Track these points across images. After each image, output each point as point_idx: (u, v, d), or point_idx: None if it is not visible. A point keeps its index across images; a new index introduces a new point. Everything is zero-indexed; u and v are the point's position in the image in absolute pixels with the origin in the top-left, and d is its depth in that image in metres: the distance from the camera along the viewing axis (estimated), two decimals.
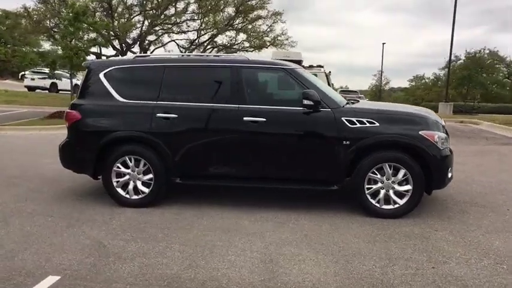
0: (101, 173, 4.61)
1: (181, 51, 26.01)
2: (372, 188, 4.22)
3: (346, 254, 3.40)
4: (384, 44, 43.85)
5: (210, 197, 4.86)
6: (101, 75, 4.62)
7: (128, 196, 4.54)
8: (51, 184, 5.57)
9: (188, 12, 21.60)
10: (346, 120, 4.18)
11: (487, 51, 37.18)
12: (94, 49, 18.92)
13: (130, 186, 4.52)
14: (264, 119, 4.25)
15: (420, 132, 4.12)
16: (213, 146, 4.40)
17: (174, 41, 24.87)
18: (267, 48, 22.64)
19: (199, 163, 4.45)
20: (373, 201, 4.23)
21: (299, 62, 12.16)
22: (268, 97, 4.70)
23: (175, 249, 3.47)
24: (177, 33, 22.52)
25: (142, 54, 4.88)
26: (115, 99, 4.54)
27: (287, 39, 22.26)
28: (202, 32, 24.24)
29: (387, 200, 4.23)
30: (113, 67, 4.64)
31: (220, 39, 23.65)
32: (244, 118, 4.27)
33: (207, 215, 4.31)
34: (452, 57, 42.70)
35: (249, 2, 21.04)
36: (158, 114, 4.40)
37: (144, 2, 21.64)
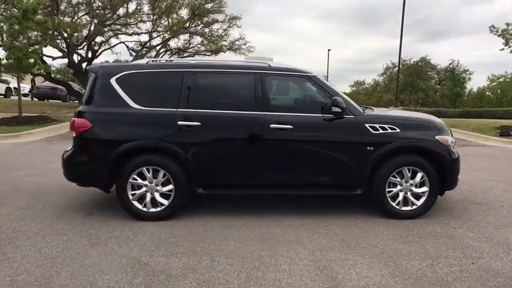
0: (115, 185, 4.31)
1: (132, 54, 25.07)
2: (392, 191, 4.42)
3: (390, 255, 3.53)
4: (329, 50, 45.58)
5: (224, 206, 4.76)
6: (113, 81, 4.32)
7: (145, 209, 4.29)
8: (41, 199, 5.08)
9: (140, 13, 20.80)
10: (369, 126, 4.33)
11: (419, 59, 40.56)
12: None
13: (148, 199, 4.28)
14: (291, 126, 4.27)
15: (436, 137, 4.40)
16: (237, 154, 4.31)
17: (123, 42, 23.88)
18: (224, 52, 22.56)
19: (224, 172, 4.34)
20: (393, 204, 4.43)
21: None
22: (292, 104, 4.72)
23: (223, 262, 3.35)
24: (130, 34, 21.59)
25: (155, 59, 4.62)
26: (130, 106, 4.27)
27: (245, 44, 22.38)
28: (155, 35, 23.54)
29: (405, 202, 4.46)
30: (126, 72, 4.36)
31: (175, 43, 23.12)
32: (271, 125, 4.25)
33: (233, 225, 4.21)
34: (390, 64, 46.15)
35: (205, 5, 20.78)
36: (180, 122, 4.22)
37: (91, 1, 20.51)
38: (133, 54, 24.67)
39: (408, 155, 4.37)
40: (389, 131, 4.34)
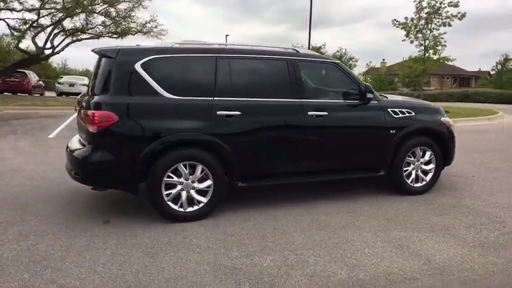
0: (147, 185, 3.76)
1: (13, 34, 21.45)
2: (407, 170, 4.80)
3: (439, 228, 3.84)
4: (227, 36, 45.63)
5: (246, 198, 4.56)
6: (137, 67, 3.72)
7: (181, 209, 3.86)
8: (39, 208, 4.16)
9: None
10: (391, 111, 4.60)
11: (311, 48, 43.42)
12: None
13: (184, 198, 3.85)
14: (326, 113, 4.28)
15: (441, 119, 4.91)
16: (277, 143, 4.15)
17: (3, 20, 20.24)
18: (133, 35, 20.72)
19: (264, 162, 4.13)
20: (408, 182, 4.82)
21: None
22: (323, 90, 4.68)
23: (309, 254, 3.25)
24: (18, 11, 18.33)
25: (180, 42, 4.04)
26: (161, 96, 3.75)
27: (156, 26, 20.86)
28: (45, 12, 20.45)
29: (417, 179, 4.89)
30: (151, 56, 3.78)
31: (72, 22, 20.32)
32: (309, 112, 4.19)
33: (276, 216, 4.08)
34: None
35: None
36: (219, 112, 3.86)
37: None
38: (16, 33, 21.20)
39: (421, 136, 4.79)
40: (407, 114, 4.68)
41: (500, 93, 30.51)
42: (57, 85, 25.42)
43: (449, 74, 51.55)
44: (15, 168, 6.02)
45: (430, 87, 47.73)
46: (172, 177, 3.79)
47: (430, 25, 15.75)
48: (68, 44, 20.72)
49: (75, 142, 4.16)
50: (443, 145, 4.92)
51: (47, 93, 26.94)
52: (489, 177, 5.89)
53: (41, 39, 20.63)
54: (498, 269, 3.04)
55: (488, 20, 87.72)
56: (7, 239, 3.45)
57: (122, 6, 19.95)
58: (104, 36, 20.61)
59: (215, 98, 3.89)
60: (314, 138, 4.29)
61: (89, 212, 4.16)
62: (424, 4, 15.67)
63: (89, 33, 20.85)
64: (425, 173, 4.92)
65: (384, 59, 53.73)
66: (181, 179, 3.83)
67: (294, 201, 4.53)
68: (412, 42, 16.23)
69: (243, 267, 3.02)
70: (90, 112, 3.59)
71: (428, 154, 4.86)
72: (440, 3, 15.36)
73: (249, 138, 4.01)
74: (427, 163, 4.89)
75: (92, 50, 4.22)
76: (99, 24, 20.93)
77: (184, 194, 3.86)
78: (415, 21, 16.02)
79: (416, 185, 4.87)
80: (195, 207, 3.91)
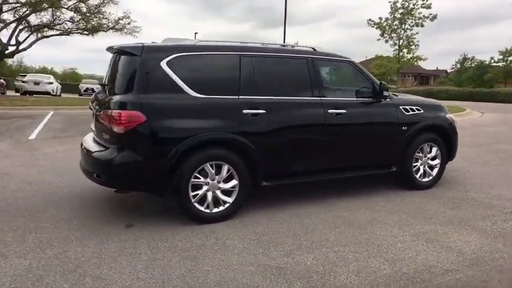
0: (173, 187, 3.65)
1: None
2: (416, 165, 4.95)
3: (457, 221, 3.99)
4: (196, 33, 45.19)
5: (266, 196, 4.54)
6: (163, 64, 3.60)
7: (207, 210, 3.79)
8: (52, 213, 3.93)
9: None
10: (403, 108, 4.73)
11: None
12: None
13: (210, 198, 3.78)
14: (345, 111, 4.33)
15: (446, 116, 5.10)
16: (301, 141, 4.16)
17: None
18: (105, 32, 19.93)
19: (288, 161, 4.13)
20: (417, 177, 4.99)
21: None
22: (340, 88, 4.71)
23: (347, 251, 3.28)
24: None
25: (204, 40, 3.93)
26: (187, 94, 3.65)
27: (129, 23, 20.18)
28: (5, 8, 19.30)
29: (424, 174, 5.06)
30: (177, 54, 3.67)
31: (38, 18, 19.29)
32: (329, 111, 4.23)
33: (299, 214, 4.09)
34: None
35: None
36: (245, 111, 3.82)
37: None
38: None
39: (429, 133, 4.95)
40: (417, 112, 4.83)
41: (461, 90, 32.15)
42: (20, 83, 24.16)
43: (410, 72, 53.54)
44: (7, 172, 5.66)
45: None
46: (199, 178, 3.71)
47: (404, 25, 16.37)
48: (35, 41, 19.71)
49: (91, 142, 3.98)
50: (447, 141, 5.12)
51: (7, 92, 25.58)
52: (482, 171, 6.20)
53: (4, 36, 19.51)
54: None
55: (444, 21, 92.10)
56: (29, 248, 3.24)
57: (93, 1, 19.19)
58: (73, 33, 19.74)
59: (240, 97, 3.85)
60: (334, 136, 4.33)
61: (107, 216, 3.99)
62: (399, 5, 16.23)
63: (57, 30, 19.89)
64: (431, 168, 5.10)
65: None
66: (208, 180, 3.76)
67: (312, 198, 4.56)
68: (387, 41, 16.81)
69: (288, 267, 3.01)
70: (115, 112, 3.44)
71: (434, 150, 5.04)
72: (413, 5, 15.98)
73: (273, 136, 3.99)
74: (433, 158, 5.08)
75: (109, 48, 4.05)
76: (67, 20, 20.07)
77: (210, 195, 3.79)
78: (389, 22, 16.57)
79: (424, 179, 5.05)
80: (221, 208, 3.85)
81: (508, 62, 38.68)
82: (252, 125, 3.86)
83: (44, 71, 58.70)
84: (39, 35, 19.95)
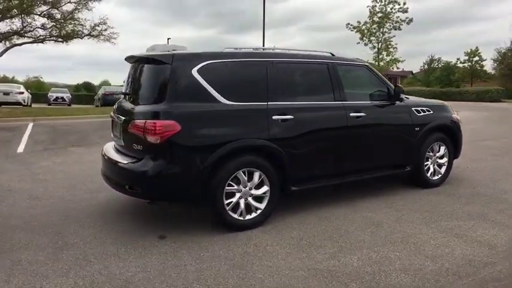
0: (208, 196, 3.61)
1: None
2: (427, 164, 5.14)
3: (476, 216, 4.17)
4: (169, 39, 44.96)
5: (287, 201, 4.58)
6: (194, 72, 3.58)
7: (241, 218, 3.78)
8: (76, 229, 3.79)
9: None
10: (415, 110, 4.90)
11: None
12: None
13: (243, 205, 3.78)
14: (364, 114, 4.44)
15: (452, 116, 5.32)
16: (326, 145, 4.23)
17: None
18: (81, 38, 19.30)
19: (314, 165, 4.19)
20: (428, 175, 5.17)
21: None
22: (358, 92, 4.80)
23: (385, 250, 3.37)
24: None
25: (230, 47, 3.92)
26: (219, 102, 3.64)
27: (106, 29, 19.64)
28: None
29: (434, 172, 5.25)
30: (207, 61, 3.66)
31: (7, 25, 18.45)
32: (351, 114, 4.33)
33: (327, 217, 4.16)
34: None
35: None
36: (274, 117, 3.85)
37: None
38: None
39: (438, 133, 5.15)
40: (427, 113, 5.02)
41: (433, 90, 33.44)
42: None
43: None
44: (8, 187, 5.42)
45: None
46: (233, 186, 3.71)
47: (382, 29, 16.92)
48: (7, 49, 18.86)
49: (116, 153, 3.89)
50: (454, 140, 5.35)
51: None
52: (480, 166, 6.49)
53: None
54: None
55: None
56: (68, 266, 3.13)
57: (67, 7, 18.61)
58: (47, 40, 19.07)
59: (269, 103, 3.88)
60: (355, 139, 4.44)
61: (134, 228, 3.90)
62: (377, 9, 16.78)
63: (29, 37, 19.15)
64: (440, 166, 5.31)
65: None
66: (240, 187, 3.76)
67: (334, 201, 4.63)
68: (366, 44, 17.32)
69: (337, 269, 3.06)
70: (150, 122, 3.39)
71: (442, 149, 5.25)
72: (391, 9, 16.57)
73: (301, 141, 4.04)
74: (441, 157, 5.29)
75: (130, 57, 3.98)
76: (39, 27, 19.36)
77: (242, 202, 3.79)
78: (368, 25, 17.09)
79: (434, 178, 5.24)
80: (253, 215, 3.85)
81: (473, 63, 40.64)
82: (281, 130, 3.90)
83: (4, 80, 56.29)
84: (8, 43, 19.13)
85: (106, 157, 4.00)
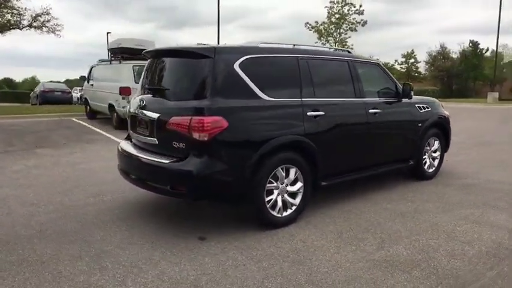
0: (250, 194, 3.54)
1: None
2: (425, 158, 5.49)
3: (482, 204, 4.54)
4: (108, 33, 42.98)
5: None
6: (236, 66, 3.49)
7: (279, 215, 3.77)
8: (103, 236, 3.49)
9: None
10: (417, 106, 5.21)
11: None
12: None
13: (280, 202, 3.77)
14: (380, 110, 4.63)
15: (444, 112, 5.73)
16: (349, 141, 4.35)
17: None
18: (21, 30, 17.49)
19: (342, 160, 4.29)
20: (425, 168, 5.52)
21: None
22: (373, 89, 4.93)
23: (423, 239, 3.57)
24: None
25: (266, 42, 3.80)
26: (260, 98, 3.58)
27: (49, 20, 18.00)
28: None
29: (429, 165, 5.63)
30: (247, 56, 3.58)
31: None
32: (370, 110, 4.49)
33: (351, 210, 4.29)
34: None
35: None
36: (309, 113, 3.88)
37: None
38: None
39: (434, 128, 5.52)
40: (427, 110, 5.37)
41: None
42: None
43: None
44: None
45: None
46: (272, 183, 3.68)
47: (339, 30, 17.64)
48: None
49: (143, 152, 3.68)
50: (445, 134, 5.78)
51: None
52: (456, 160, 7.04)
53: None
54: None
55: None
56: (119, 274, 2.91)
57: None
58: None
59: (303, 99, 3.90)
60: (373, 135, 4.62)
61: (165, 231, 3.71)
62: (335, 10, 17.46)
63: None
64: (433, 159, 5.70)
65: None
66: (278, 184, 3.74)
67: (350, 195, 4.77)
68: (324, 44, 17.90)
69: (392, 259, 3.18)
70: (196, 119, 3.24)
71: (436, 143, 5.65)
72: (348, 10, 17.34)
73: (330, 137, 4.12)
74: (435, 151, 5.68)
75: (158, 51, 3.76)
76: None
77: (280, 199, 3.77)
78: (325, 25, 17.72)
79: (429, 170, 5.62)
80: (289, 211, 3.86)
81: (409, 64, 43.86)
82: (314, 126, 3.94)
83: None
84: None
85: (134, 156, 3.76)
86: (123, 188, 5.00)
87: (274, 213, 3.73)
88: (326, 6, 17.56)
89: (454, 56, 41.82)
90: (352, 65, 4.50)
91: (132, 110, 4.03)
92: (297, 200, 3.90)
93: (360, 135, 4.47)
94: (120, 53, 10.42)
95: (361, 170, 4.62)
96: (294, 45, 4.19)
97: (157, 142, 3.62)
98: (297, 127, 3.80)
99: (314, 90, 4.04)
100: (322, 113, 4.01)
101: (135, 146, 3.97)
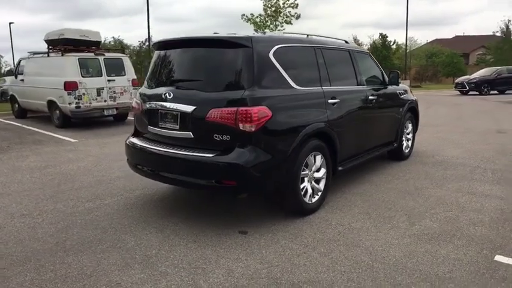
0: (287, 182, 3.53)
1: None
2: (403, 140, 5.96)
3: (466, 177, 5.09)
4: (11, 23, 38.85)
5: None
6: (271, 56, 3.43)
7: (310, 202, 3.83)
8: (137, 237, 3.18)
9: None
10: (398, 92, 5.62)
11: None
12: None
13: (310, 189, 3.83)
14: (376, 97, 4.91)
15: (414, 97, 6.26)
16: (357, 127, 4.54)
17: None
18: None
19: (352, 145, 4.46)
20: (404, 149, 6.00)
21: (98, 44, 10.34)
22: (367, 77, 5.11)
23: (440, 211, 3.92)
24: None
25: (287, 32, 3.66)
26: (292, 87, 3.58)
27: None
28: None
29: (406, 146, 6.12)
30: (278, 45, 3.55)
31: None
32: (370, 97, 4.73)
33: (361, 193, 4.53)
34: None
35: None
36: (329, 101, 3.98)
37: None
38: None
39: (409, 112, 6.01)
40: (405, 95, 5.82)
41: None
42: None
43: None
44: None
45: None
46: (304, 170, 3.72)
47: (275, 22, 17.99)
48: None
49: (171, 147, 3.49)
50: (416, 117, 6.33)
51: None
52: (416, 140, 7.73)
53: None
54: None
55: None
56: (184, 276, 2.74)
57: None
58: None
59: (323, 88, 3.98)
60: (373, 120, 4.90)
61: (200, 228, 3.55)
62: (273, 3, 17.76)
63: None
64: (408, 140, 6.21)
65: None
66: (307, 171, 3.79)
67: (349, 179, 5.00)
68: None
69: (432, 232, 3.45)
70: (243, 109, 3.14)
71: (410, 125, 6.17)
72: (283, 4, 17.74)
73: (344, 123, 4.27)
74: (409, 133, 6.20)
75: (181, 40, 3.52)
76: None
77: (309, 186, 3.83)
78: (262, 18, 17.94)
79: (406, 151, 6.12)
80: (316, 197, 3.94)
81: None
82: (333, 113, 4.06)
83: None
84: None
85: (161, 152, 3.50)
86: (118, 190, 4.66)
87: (306, 200, 3.79)
88: None
89: (366, 47, 45.40)
90: (352, 54, 4.70)
91: (149, 103, 3.72)
92: (321, 186, 4.00)
93: (364, 120, 4.72)
94: (63, 45, 9.40)
95: (364, 154, 4.88)
96: (308, 35, 4.24)
97: (192, 136, 3.41)
98: (322, 115, 3.88)
99: (329, 78, 4.15)
100: (338, 100, 4.14)
101: (156, 141, 3.69)
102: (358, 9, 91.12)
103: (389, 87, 5.48)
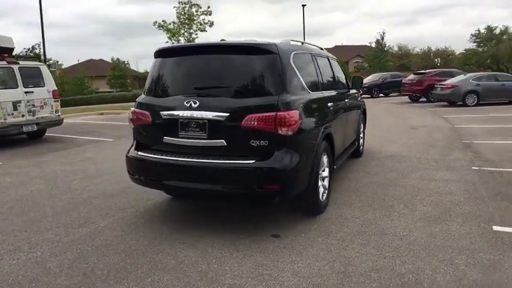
0: (309, 183, 3.65)
1: None
2: (360, 138, 6.56)
3: (419, 167, 5.86)
4: None
5: None
6: (292, 62, 3.55)
7: (322, 200, 4.04)
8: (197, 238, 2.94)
9: None
10: (356, 95, 6.18)
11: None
12: None
13: (322, 188, 4.03)
14: (347, 100, 5.34)
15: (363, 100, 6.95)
16: (341, 127, 4.88)
17: None
18: None
19: (338, 145, 4.75)
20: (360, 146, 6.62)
21: (11, 51, 9.06)
22: (336, 81, 5.38)
23: (450, 192, 4.47)
24: None
25: (292, 39, 3.60)
26: (308, 92, 3.78)
27: None
28: None
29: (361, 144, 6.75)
30: (295, 52, 3.73)
31: None
32: (346, 99, 5.15)
33: (356, 189, 4.88)
34: None
35: None
36: (329, 104, 4.23)
37: None
38: None
39: (362, 114, 6.64)
40: (359, 98, 6.42)
41: None
42: None
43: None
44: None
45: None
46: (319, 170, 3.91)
47: (189, 30, 17.78)
48: None
49: (199, 157, 3.37)
50: (365, 117, 7.02)
51: None
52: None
53: None
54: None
55: (132, 26, 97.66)
56: (238, 279, 2.65)
57: None
58: None
59: (323, 92, 4.23)
60: (348, 121, 5.32)
61: (232, 236, 3.48)
62: (185, 11, 17.50)
63: None
64: (361, 139, 6.86)
65: (58, 61, 44.49)
66: (320, 170, 3.98)
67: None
68: (177, 42, 17.69)
69: (433, 216, 3.93)
70: (282, 114, 3.20)
71: (362, 125, 6.82)
72: (196, 11, 17.65)
73: (335, 125, 4.55)
74: (361, 132, 6.85)
75: (203, 46, 3.40)
76: None
77: (321, 185, 4.03)
78: (175, 25, 17.59)
79: (361, 149, 6.75)
80: (325, 196, 4.15)
81: None
82: (332, 116, 4.35)
83: None
84: None
85: (186, 163, 3.33)
86: (106, 211, 4.27)
87: (321, 199, 3.98)
88: (174, 7, 17.72)
89: None
90: (330, 60, 5.07)
91: (164, 113, 3.48)
92: (327, 184, 4.24)
93: (344, 121, 5.11)
94: None
95: (344, 153, 5.28)
96: (303, 42, 4.47)
97: (225, 143, 3.31)
98: (327, 117, 4.15)
99: (325, 84, 4.45)
100: (333, 103, 4.45)
101: (176, 153, 3.47)
102: (243, 18, 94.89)
103: (351, 90, 6.02)
